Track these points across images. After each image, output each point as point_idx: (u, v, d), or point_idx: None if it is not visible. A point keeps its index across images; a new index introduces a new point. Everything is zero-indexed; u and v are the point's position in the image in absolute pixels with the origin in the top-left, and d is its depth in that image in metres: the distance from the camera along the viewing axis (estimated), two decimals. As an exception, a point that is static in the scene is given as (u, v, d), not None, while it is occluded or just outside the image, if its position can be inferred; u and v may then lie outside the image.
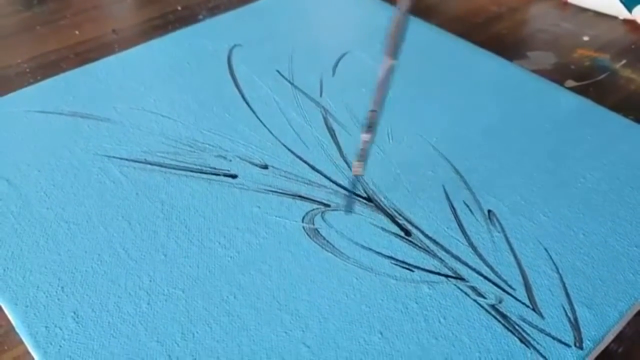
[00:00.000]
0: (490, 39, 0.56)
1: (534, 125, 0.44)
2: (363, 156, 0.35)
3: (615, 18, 0.59)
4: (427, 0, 0.62)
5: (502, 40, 0.57)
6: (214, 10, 0.59)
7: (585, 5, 0.61)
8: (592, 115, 0.45)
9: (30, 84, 0.48)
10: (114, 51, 0.52)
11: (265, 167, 0.40)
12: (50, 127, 0.43)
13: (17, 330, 0.32)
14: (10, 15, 0.59)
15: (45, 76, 0.49)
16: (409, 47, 0.53)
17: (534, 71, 0.50)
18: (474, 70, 0.49)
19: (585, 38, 0.57)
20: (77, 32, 0.57)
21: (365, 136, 0.34)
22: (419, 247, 0.36)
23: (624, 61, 0.54)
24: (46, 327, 0.31)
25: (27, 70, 0.52)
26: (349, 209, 0.37)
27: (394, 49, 0.31)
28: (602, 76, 0.52)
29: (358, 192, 0.39)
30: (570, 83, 0.51)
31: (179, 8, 0.60)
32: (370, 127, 0.33)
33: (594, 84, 0.51)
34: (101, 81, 0.47)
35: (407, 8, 0.30)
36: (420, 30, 0.54)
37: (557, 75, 0.52)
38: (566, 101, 0.46)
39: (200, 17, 0.59)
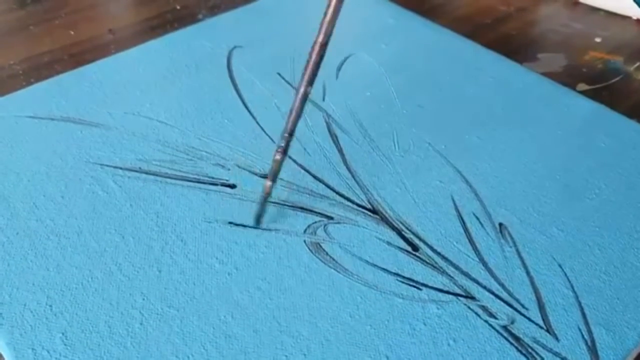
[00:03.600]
0: (498, 40, 0.54)
1: (545, 132, 0.42)
2: (273, 177, 0.35)
3: (628, 18, 0.58)
4: (433, 0, 0.60)
5: (510, 41, 0.55)
6: (213, 10, 0.57)
7: (597, 5, 0.59)
8: (605, 120, 0.44)
9: (22, 86, 0.46)
10: (110, 52, 0.51)
11: (266, 176, 0.38)
12: (41, 133, 0.41)
13: (2, 352, 0.30)
14: (3, 14, 0.57)
15: (38, 78, 0.47)
16: (414, 49, 0.52)
17: (544, 74, 0.49)
18: (481, 73, 0.48)
19: (597, 39, 0.55)
20: (72, 33, 0.55)
21: (277, 157, 0.34)
22: (427, 263, 0.34)
23: (637, 63, 0.52)
24: (33, 349, 0.29)
25: (20, 72, 0.50)
26: (257, 223, 0.36)
27: (312, 75, 0.31)
28: (616, 79, 0.50)
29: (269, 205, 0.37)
30: (582, 86, 0.49)
31: (178, 7, 0.58)
32: (284, 149, 0.33)
33: (606, 88, 0.49)
34: (95, 85, 0.45)
35: (328, 32, 0.29)
36: (425, 31, 0.52)
37: (568, 78, 0.50)
38: (578, 106, 0.45)
39: (200, 16, 0.57)
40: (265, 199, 0.35)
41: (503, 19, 0.58)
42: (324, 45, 0.29)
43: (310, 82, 0.31)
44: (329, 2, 0.28)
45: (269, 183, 0.35)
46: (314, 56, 0.30)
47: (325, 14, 0.29)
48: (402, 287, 0.33)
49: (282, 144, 0.33)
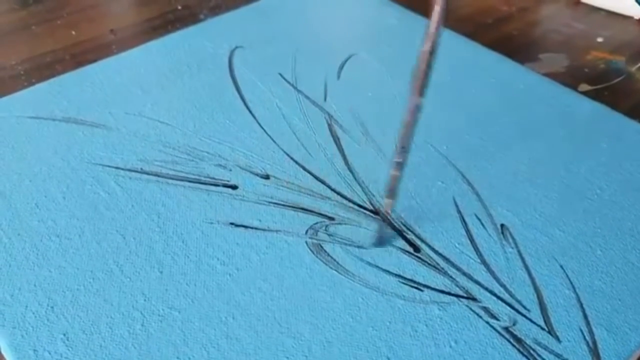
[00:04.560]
0: (500, 41, 0.54)
1: (547, 133, 0.42)
2: (392, 193, 0.33)
3: (629, 18, 0.57)
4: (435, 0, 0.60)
5: (512, 41, 0.55)
6: (215, 10, 0.57)
7: (598, 5, 0.59)
8: (607, 121, 0.43)
9: (24, 87, 0.46)
10: (111, 52, 0.51)
11: (267, 177, 0.38)
12: (43, 134, 0.41)
13: (3, 353, 0.30)
14: (5, 14, 0.58)
15: (39, 79, 0.47)
16: (415, 49, 0.51)
17: (546, 74, 0.49)
18: (483, 73, 0.47)
19: (599, 39, 0.55)
20: (73, 32, 0.55)
21: (394, 173, 0.32)
22: (429, 264, 0.34)
23: (639, 64, 0.52)
24: (34, 350, 0.29)
25: (22, 72, 0.50)
26: (378, 244, 0.35)
27: (422, 85, 0.29)
28: (618, 79, 0.50)
29: (388, 225, 0.36)
30: (584, 87, 0.49)
31: (179, 7, 0.58)
32: (401, 165, 0.32)
33: (608, 88, 0.49)
34: (97, 85, 0.45)
35: (434, 40, 0.27)
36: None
37: (570, 78, 0.50)
38: (580, 107, 0.45)
39: (201, 16, 0.57)
40: (387, 218, 0.34)
41: (504, 19, 0.58)
42: (431, 54, 0.28)
43: (421, 92, 0.29)
44: (434, 8, 0.27)
45: (388, 201, 0.33)
46: (422, 65, 0.29)
47: (431, 21, 0.28)
48: (404, 289, 0.33)
49: (399, 160, 0.31)
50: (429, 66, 0.28)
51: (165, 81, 0.46)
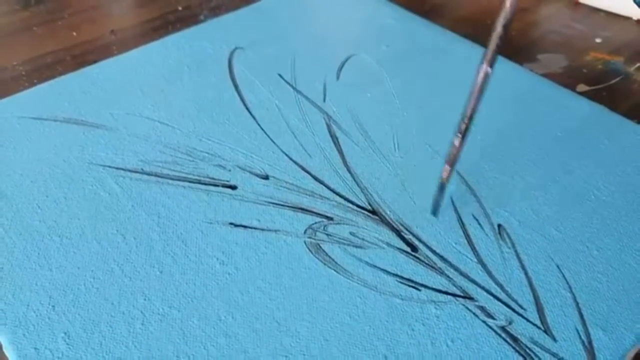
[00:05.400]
0: (499, 41, 0.54)
1: (545, 133, 0.43)
2: (451, 162, 0.33)
3: (628, 19, 0.58)
4: (433, 1, 0.61)
5: (511, 42, 0.55)
6: (215, 11, 0.58)
7: (598, 6, 0.59)
8: (605, 122, 0.44)
9: (25, 88, 0.47)
10: (112, 53, 0.51)
11: (266, 177, 0.39)
12: (44, 135, 0.41)
13: (5, 351, 0.30)
14: (7, 15, 0.58)
15: (41, 80, 0.48)
16: (414, 50, 0.52)
17: (544, 75, 0.49)
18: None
19: (598, 40, 0.55)
20: (74, 33, 0.55)
21: (456, 141, 0.32)
22: (426, 264, 0.34)
23: (638, 64, 0.52)
24: (36, 348, 0.30)
25: (23, 73, 0.50)
26: (434, 212, 0.36)
27: (492, 55, 0.29)
28: (616, 80, 0.50)
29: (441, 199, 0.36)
30: (582, 87, 0.49)
31: (180, 8, 0.59)
32: (463, 133, 0.32)
33: (607, 89, 0.49)
34: (98, 86, 0.46)
35: (508, 15, 0.28)
36: (425, 32, 0.52)
37: (569, 79, 0.50)
38: (578, 107, 0.45)
39: (202, 17, 0.57)
40: (444, 185, 0.34)
41: (504, 20, 0.58)
42: (505, 27, 0.29)
43: (491, 62, 0.30)
44: None
45: (447, 167, 0.33)
46: (495, 38, 0.29)
47: None
48: (401, 288, 0.33)
49: (462, 128, 0.32)
50: (501, 39, 0.29)
51: (166, 82, 0.46)
